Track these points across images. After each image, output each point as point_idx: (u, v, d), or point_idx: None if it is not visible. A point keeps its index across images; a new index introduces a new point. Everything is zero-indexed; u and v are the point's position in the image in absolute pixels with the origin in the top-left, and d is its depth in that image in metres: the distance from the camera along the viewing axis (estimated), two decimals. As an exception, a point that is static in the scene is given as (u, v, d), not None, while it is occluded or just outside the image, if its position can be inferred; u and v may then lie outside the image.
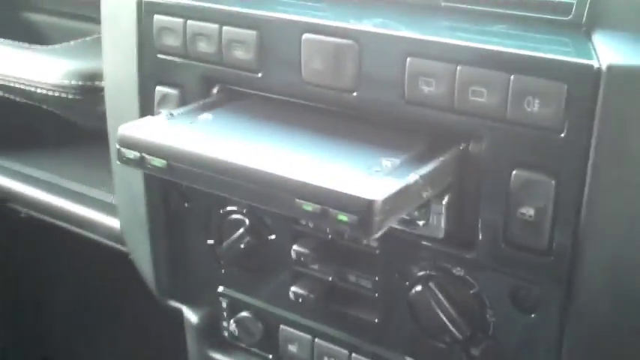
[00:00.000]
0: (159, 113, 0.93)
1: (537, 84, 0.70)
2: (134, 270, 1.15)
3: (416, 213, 0.77)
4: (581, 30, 0.76)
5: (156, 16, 0.92)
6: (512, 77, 0.71)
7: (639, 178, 0.69)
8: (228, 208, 0.96)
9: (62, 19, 1.43)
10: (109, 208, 1.27)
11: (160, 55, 0.93)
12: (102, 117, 1.10)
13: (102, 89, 1.10)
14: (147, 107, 0.96)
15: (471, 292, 0.81)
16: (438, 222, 0.77)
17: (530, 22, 0.78)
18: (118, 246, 1.23)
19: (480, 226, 0.77)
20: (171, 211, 1.02)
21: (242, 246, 0.94)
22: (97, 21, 1.06)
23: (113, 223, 1.22)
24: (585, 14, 0.75)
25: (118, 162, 0.80)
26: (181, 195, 1.00)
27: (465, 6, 0.80)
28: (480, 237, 0.77)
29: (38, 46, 1.26)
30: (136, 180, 1.03)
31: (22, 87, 1.19)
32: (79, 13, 1.38)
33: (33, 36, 1.44)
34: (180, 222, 1.02)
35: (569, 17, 0.76)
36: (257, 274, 0.97)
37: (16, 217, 1.49)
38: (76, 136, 1.46)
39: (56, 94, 1.16)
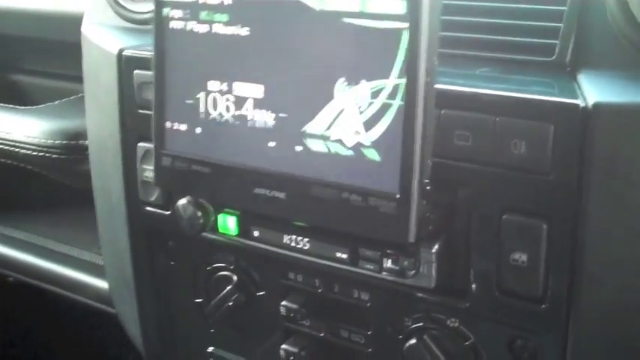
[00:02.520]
0: (143, 170, 0.92)
1: (523, 126, 0.68)
2: (123, 332, 1.12)
3: (406, 262, 0.74)
4: (566, 70, 0.75)
5: (136, 71, 0.90)
6: (497, 120, 0.69)
7: (633, 217, 0.66)
8: (215, 265, 0.93)
9: (46, 79, 1.42)
10: (97, 270, 1.24)
11: (141, 111, 0.91)
12: (87, 176, 1.08)
13: (86, 148, 1.08)
14: (130, 164, 0.94)
15: (467, 343, 0.78)
16: (429, 271, 0.75)
17: (514, 64, 0.77)
18: (107, 308, 1.21)
19: (472, 274, 0.75)
20: (158, 270, 1.00)
21: (230, 303, 0.91)
22: (81, 80, 1.05)
23: (102, 284, 1.20)
24: (569, 54, 0.75)
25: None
26: (168, 253, 0.98)
27: (448, 50, 0.78)
28: (473, 285, 0.75)
29: (22, 107, 1.25)
30: (122, 239, 1.01)
31: (6, 147, 1.18)
32: (62, 73, 1.37)
33: (17, 97, 1.43)
34: (167, 281, 1.00)
35: (553, 58, 0.75)
36: (247, 332, 0.95)
37: (3, 281, 1.46)
38: (65, 197, 1.44)
39: (40, 153, 1.14)
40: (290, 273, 0.88)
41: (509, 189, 0.70)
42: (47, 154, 1.13)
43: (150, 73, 0.86)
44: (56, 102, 1.27)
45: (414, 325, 0.81)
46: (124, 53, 0.92)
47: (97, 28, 1.02)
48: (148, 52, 0.90)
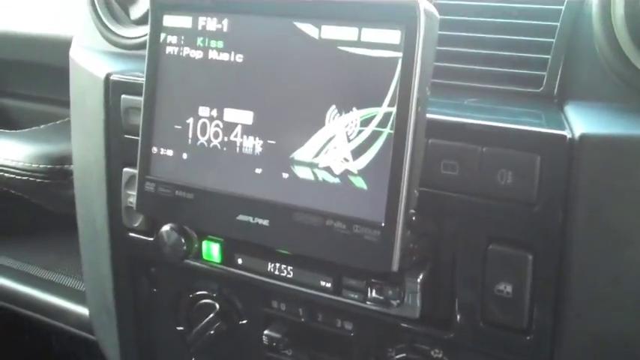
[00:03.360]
0: (127, 196, 0.91)
1: (510, 156, 0.68)
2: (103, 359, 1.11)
3: (390, 292, 0.74)
4: (553, 101, 0.75)
5: (123, 96, 0.90)
6: (484, 150, 0.69)
7: (619, 249, 0.66)
8: (198, 293, 0.92)
9: (32, 103, 1.42)
10: (79, 297, 1.23)
11: (127, 136, 0.91)
12: (71, 201, 1.07)
13: (71, 173, 1.07)
14: (114, 190, 0.93)
15: (451, 375, 0.77)
16: (414, 301, 0.74)
17: (501, 94, 0.77)
18: (88, 335, 1.19)
19: (457, 304, 0.74)
20: (140, 296, 0.99)
21: (212, 332, 0.90)
22: (67, 104, 1.05)
23: (83, 311, 1.18)
24: (556, 86, 0.75)
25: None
26: (150, 280, 0.97)
27: (435, 80, 0.78)
28: (458, 316, 0.74)
29: (6, 131, 1.24)
30: (104, 265, 1.00)
31: (-11, 172, 1.17)
32: (49, 97, 1.36)
33: (3, 121, 1.42)
34: (149, 308, 0.98)
35: (541, 89, 0.76)
36: (227, 363, 0.93)
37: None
38: (49, 223, 1.43)
39: (24, 177, 1.13)
40: (273, 302, 0.87)
41: (495, 219, 0.70)
42: (31, 178, 1.13)
43: (137, 98, 0.87)
44: (42, 126, 1.26)
45: (398, 356, 0.80)
46: (111, 78, 0.91)
47: (86, 52, 1.02)
48: (135, 77, 0.90)
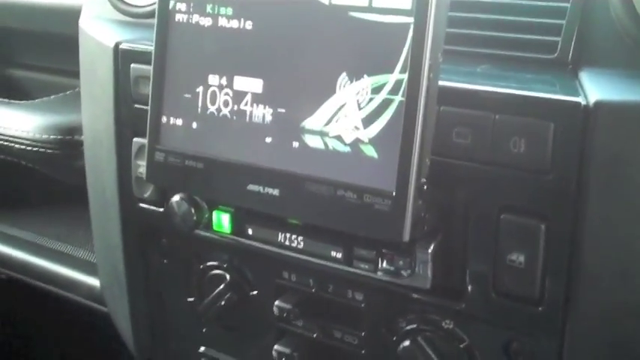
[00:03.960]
0: (137, 166, 0.91)
1: (523, 123, 0.67)
2: (116, 330, 1.11)
3: (401, 262, 0.73)
4: (567, 68, 0.74)
5: (132, 65, 0.89)
6: (496, 117, 0.68)
7: (632, 218, 0.65)
8: (209, 264, 0.92)
9: (42, 73, 1.41)
10: (90, 268, 1.23)
11: (136, 105, 0.90)
12: (82, 172, 1.07)
13: (81, 143, 1.07)
14: (124, 160, 0.93)
15: (462, 346, 0.77)
16: (425, 271, 0.73)
17: (515, 61, 0.76)
18: (99, 306, 1.19)
19: (468, 274, 0.73)
20: (151, 268, 0.98)
21: (223, 303, 0.90)
22: (77, 75, 1.04)
23: (94, 282, 1.18)
24: (571, 52, 0.74)
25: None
26: (160, 251, 0.96)
27: (448, 47, 0.77)
28: (469, 287, 0.73)
29: (16, 102, 1.24)
30: (115, 236, 0.99)
31: (0, 142, 1.16)
32: (59, 67, 1.36)
33: (13, 91, 1.42)
34: (160, 279, 0.98)
35: (555, 55, 0.74)
36: (239, 332, 0.93)
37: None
38: (60, 194, 1.43)
39: (34, 148, 1.13)
40: (284, 272, 0.87)
41: (507, 188, 0.69)
42: (41, 149, 1.12)
43: (146, 67, 0.86)
44: (51, 97, 1.26)
45: (409, 327, 0.79)
46: (120, 46, 0.91)
47: (95, 21, 1.01)
48: (145, 46, 0.89)
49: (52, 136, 1.12)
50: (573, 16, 0.74)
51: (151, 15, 0.96)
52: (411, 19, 0.64)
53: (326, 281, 0.84)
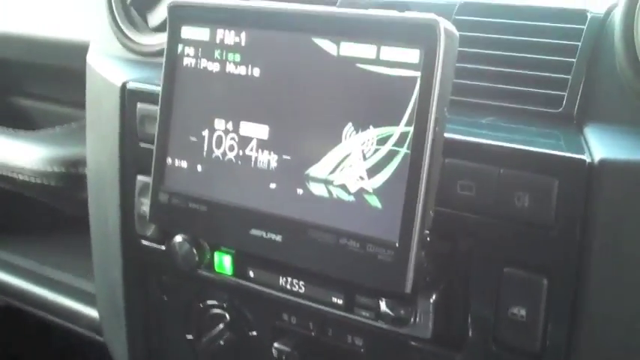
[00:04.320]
0: (140, 204, 0.91)
1: (527, 179, 0.67)
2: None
3: (402, 312, 0.73)
4: (573, 123, 0.74)
5: (139, 105, 0.90)
6: (501, 171, 0.68)
7: (636, 276, 0.65)
8: (209, 302, 0.92)
9: (49, 103, 1.41)
10: (90, 299, 1.23)
11: (142, 144, 0.90)
12: (84, 204, 1.07)
13: (85, 176, 1.07)
14: (128, 196, 0.93)
15: (461, 395, 0.76)
16: (426, 321, 0.73)
17: (520, 114, 0.77)
18: (97, 337, 1.19)
19: (469, 325, 0.73)
20: (150, 303, 0.98)
21: (222, 342, 0.90)
22: (81, 105, 1.05)
23: (94, 313, 1.18)
24: (576, 107, 0.74)
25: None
26: (161, 287, 0.96)
27: (453, 97, 0.78)
28: (470, 337, 0.73)
29: (21, 132, 1.24)
30: (115, 270, 0.99)
31: (4, 173, 1.16)
32: (65, 98, 1.36)
33: (19, 120, 1.42)
34: (159, 315, 0.98)
35: (560, 110, 0.75)
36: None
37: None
38: (61, 222, 1.43)
39: (38, 180, 1.13)
40: (284, 314, 0.87)
41: (511, 242, 0.69)
42: (45, 182, 1.12)
43: (152, 107, 0.87)
44: (56, 127, 1.26)
45: (408, 375, 0.79)
46: (127, 86, 0.91)
47: (102, 58, 1.02)
48: (151, 86, 0.90)
49: (56, 169, 1.12)
50: (579, 71, 0.75)
51: (158, 54, 0.97)
52: (417, 73, 0.65)
53: (326, 325, 0.84)
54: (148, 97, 0.89)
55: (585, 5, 0.80)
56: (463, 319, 0.74)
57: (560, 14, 0.80)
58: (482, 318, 0.72)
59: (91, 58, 1.03)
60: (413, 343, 0.77)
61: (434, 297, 0.73)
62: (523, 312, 0.70)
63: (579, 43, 0.76)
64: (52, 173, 1.12)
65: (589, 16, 0.78)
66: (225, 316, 0.91)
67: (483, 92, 0.78)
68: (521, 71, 0.78)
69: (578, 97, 0.74)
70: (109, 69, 0.97)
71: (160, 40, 0.99)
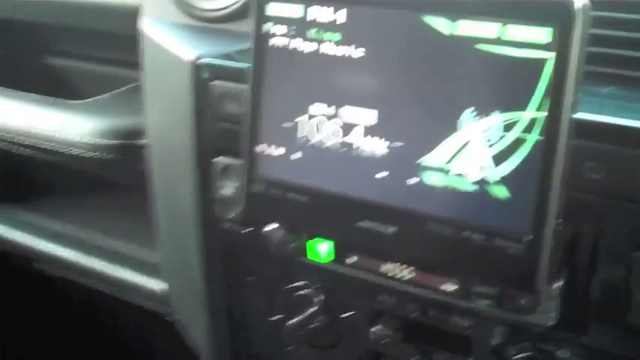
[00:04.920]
0: (222, 186, 0.86)
1: (664, 161, 0.63)
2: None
3: (524, 300, 0.69)
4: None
5: (216, 82, 0.84)
6: (635, 153, 0.64)
7: None
8: (297, 284, 0.88)
9: (91, 63, 1.34)
10: (147, 268, 1.19)
11: (221, 124, 0.85)
12: (139, 175, 1.03)
13: (142, 147, 1.02)
14: (205, 177, 0.88)
15: (579, 376, 0.74)
16: (550, 308, 0.70)
17: (636, 83, 0.72)
18: (159, 311, 1.16)
19: (594, 310, 0.70)
20: (231, 284, 0.95)
21: (312, 326, 0.86)
22: (128, 65, 0.99)
23: (157, 286, 1.15)
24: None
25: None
26: (244, 268, 0.93)
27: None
28: (594, 323, 0.70)
29: (70, 102, 1.18)
30: (191, 252, 0.95)
31: (54, 148, 1.11)
32: (108, 57, 1.29)
33: (57, 84, 1.36)
34: (241, 297, 0.95)
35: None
36: (327, 355, 0.90)
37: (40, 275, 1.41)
38: (103, 183, 1.38)
39: (93, 154, 1.08)
40: (380, 296, 0.83)
41: (642, 225, 0.65)
42: (100, 155, 1.07)
43: (232, 84, 0.82)
44: (107, 95, 1.20)
45: (521, 355, 0.76)
46: (201, 62, 0.85)
47: (159, 26, 0.95)
48: (229, 62, 0.84)
49: (112, 141, 1.06)
50: None
51: (225, 19, 0.91)
52: (550, 55, 0.60)
53: (428, 306, 0.81)
54: (227, 74, 0.83)
55: None
56: (587, 303, 0.70)
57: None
58: (610, 303, 0.69)
59: (145, 26, 0.96)
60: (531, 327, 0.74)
61: (559, 284, 0.69)
62: (657, 296, 0.66)
63: None
64: (108, 145, 1.07)
65: None
66: (316, 298, 0.87)
67: (599, 59, 0.73)
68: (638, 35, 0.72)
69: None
70: (172, 41, 0.91)
71: (222, 3, 0.92)
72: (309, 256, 0.78)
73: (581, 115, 0.65)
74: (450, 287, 0.72)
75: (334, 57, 0.69)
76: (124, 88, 1.20)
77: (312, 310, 0.86)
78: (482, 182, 0.64)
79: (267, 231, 0.77)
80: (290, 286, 0.89)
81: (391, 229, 0.69)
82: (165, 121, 0.93)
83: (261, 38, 0.72)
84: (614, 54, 0.73)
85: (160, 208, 1.00)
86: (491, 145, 0.63)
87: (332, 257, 0.77)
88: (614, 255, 0.68)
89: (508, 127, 0.62)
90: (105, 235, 1.31)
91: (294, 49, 0.71)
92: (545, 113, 0.60)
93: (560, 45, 0.59)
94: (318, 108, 0.71)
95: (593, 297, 0.70)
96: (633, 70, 0.72)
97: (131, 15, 1.01)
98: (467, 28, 0.63)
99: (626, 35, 0.73)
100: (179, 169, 0.92)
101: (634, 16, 0.73)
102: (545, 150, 0.61)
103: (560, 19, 0.59)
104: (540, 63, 0.60)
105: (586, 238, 0.69)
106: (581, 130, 0.65)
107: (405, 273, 0.74)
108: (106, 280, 1.23)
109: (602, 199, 0.66)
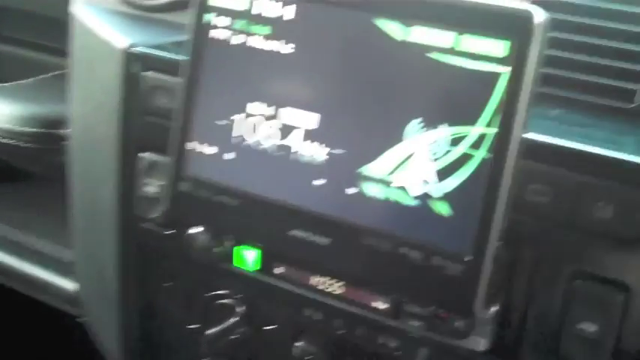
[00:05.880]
0: (144, 184, 0.81)
1: (613, 188, 0.61)
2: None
3: (458, 324, 0.67)
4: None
5: (147, 73, 0.79)
6: (582, 178, 0.62)
7: None
8: (219, 292, 0.84)
9: (21, 48, 1.26)
10: (61, 267, 1.12)
11: (148, 118, 0.80)
12: (59, 167, 0.97)
13: (63, 138, 0.96)
14: (128, 173, 0.83)
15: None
16: (483, 333, 0.67)
17: (587, 107, 0.70)
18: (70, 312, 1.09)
19: (528, 338, 0.68)
20: (148, 288, 0.90)
21: (232, 337, 0.82)
22: (55, 52, 0.93)
23: (68, 285, 1.08)
24: (653, 104, 0.68)
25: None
26: (163, 272, 0.88)
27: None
28: (529, 352, 0.68)
29: (-9, 85, 1.11)
30: (107, 247, 0.90)
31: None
32: (40, 43, 1.22)
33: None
34: (159, 301, 0.90)
35: (632, 106, 0.68)
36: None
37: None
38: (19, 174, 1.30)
39: (9, 141, 1.01)
40: (306, 309, 0.79)
41: (585, 253, 0.64)
42: (17, 143, 1.00)
43: (164, 76, 0.77)
44: (31, 79, 1.13)
45: (447, 379, 0.74)
46: (132, 51, 0.80)
47: (92, 11, 0.89)
48: (163, 52, 0.79)
49: (31, 129, 1.00)
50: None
51: (162, 9, 0.86)
52: (505, 69, 0.57)
53: (357, 323, 0.77)
54: (159, 65, 0.78)
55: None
56: (522, 331, 0.68)
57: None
58: (545, 331, 0.67)
59: (77, 10, 0.91)
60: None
61: (494, 309, 0.67)
62: (593, 328, 0.64)
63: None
64: (26, 133, 1.00)
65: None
66: (238, 308, 0.83)
67: (549, 80, 0.71)
68: (588, 59, 0.71)
69: (656, 92, 0.68)
70: (105, 27, 0.85)
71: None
72: (234, 263, 0.74)
73: (530, 135, 0.63)
74: (381, 305, 0.69)
75: (277, 55, 0.65)
76: (48, 75, 1.13)
77: (233, 320, 0.82)
78: (424, 197, 0.61)
79: (191, 234, 0.73)
80: (211, 293, 0.84)
81: (324, 241, 0.65)
82: (90, 111, 0.87)
83: (201, 29, 0.68)
84: (564, 76, 0.71)
85: (78, 203, 0.94)
86: (436, 159, 0.60)
87: (259, 266, 0.73)
88: (552, 283, 0.65)
89: (455, 142, 0.59)
90: (16, 230, 1.24)
91: (236, 44, 0.67)
92: (495, 130, 0.58)
93: (517, 60, 0.56)
94: (256, 107, 0.67)
95: (528, 325, 0.68)
96: (582, 94, 0.70)
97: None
98: (420, 35, 0.60)
99: (576, 58, 0.71)
100: (101, 163, 0.86)
101: (585, 39, 0.72)
102: (492, 168, 0.58)
103: (519, 33, 0.56)
104: (494, 77, 0.58)
105: (525, 263, 0.67)
106: (528, 151, 0.63)
107: (335, 287, 0.70)
108: (16, 277, 1.16)
109: (544, 224, 0.64)
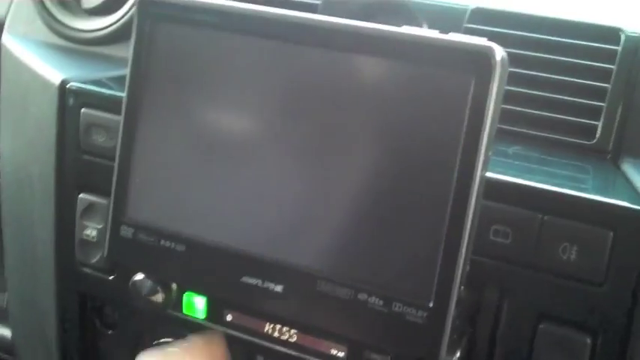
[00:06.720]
0: (84, 227, 0.77)
1: (577, 229, 0.59)
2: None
3: (420, 371, 0.64)
4: (607, 157, 0.66)
5: (84, 110, 0.75)
6: (545, 219, 0.60)
7: None
8: (165, 340, 0.79)
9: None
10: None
11: (86, 156, 0.75)
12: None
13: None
14: (66, 216, 0.78)
15: None
16: (446, 380, 0.65)
17: (547, 144, 0.68)
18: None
19: (493, 384, 0.65)
20: (89, 337, 0.84)
21: (180, 386, 0.77)
22: None
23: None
24: (612, 139, 0.66)
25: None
26: (105, 320, 0.83)
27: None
28: (492, 397, 0.65)
29: None
30: (44, 295, 0.84)
31: None
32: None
33: None
34: (100, 350, 0.84)
35: (593, 141, 0.67)
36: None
37: None
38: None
39: None
40: (258, 356, 0.76)
41: (550, 296, 0.61)
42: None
43: (101, 113, 0.73)
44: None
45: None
46: (69, 86, 0.75)
47: (24, 44, 0.85)
48: (100, 88, 0.75)
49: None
50: (615, 98, 0.67)
51: (98, 42, 0.82)
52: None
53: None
54: (96, 102, 0.74)
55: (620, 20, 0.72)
56: (487, 378, 0.65)
57: (590, 30, 0.71)
58: (510, 377, 0.64)
59: (7, 41, 0.86)
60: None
61: (457, 354, 0.64)
62: (560, 373, 0.62)
63: (614, 67, 0.68)
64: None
65: (623, 36, 0.70)
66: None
67: (507, 117, 0.69)
68: (546, 94, 0.69)
69: (614, 130, 0.66)
70: (37, 60, 0.81)
71: (98, 25, 0.83)
72: (184, 311, 0.70)
73: (490, 174, 0.61)
74: (338, 353, 0.65)
75: (223, 94, 0.62)
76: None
77: (179, 369, 0.78)
78: (382, 241, 0.58)
79: (136, 280, 0.68)
80: (157, 342, 0.80)
81: (277, 288, 0.62)
82: (22, 147, 0.82)
83: (141, 58, 0.64)
84: (523, 112, 0.69)
85: (10, 245, 0.89)
86: (393, 201, 0.57)
87: (207, 314, 0.69)
88: (517, 326, 0.63)
89: (415, 183, 0.57)
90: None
91: (180, 76, 0.63)
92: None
93: (476, 98, 0.54)
94: (203, 142, 0.63)
95: (491, 370, 0.65)
96: (542, 130, 0.68)
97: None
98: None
99: (533, 93, 0.69)
100: (35, 204, 0.81)
101: (542, 75, 0.70)
102: (453, 210, 0.55)
103: (479, 70, 0.54)
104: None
105: (489, 306, 0.64)
106: (489, 190, 0.60)
107: (291, 334, 0.67)
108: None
109: (507, 266, 0.62)
